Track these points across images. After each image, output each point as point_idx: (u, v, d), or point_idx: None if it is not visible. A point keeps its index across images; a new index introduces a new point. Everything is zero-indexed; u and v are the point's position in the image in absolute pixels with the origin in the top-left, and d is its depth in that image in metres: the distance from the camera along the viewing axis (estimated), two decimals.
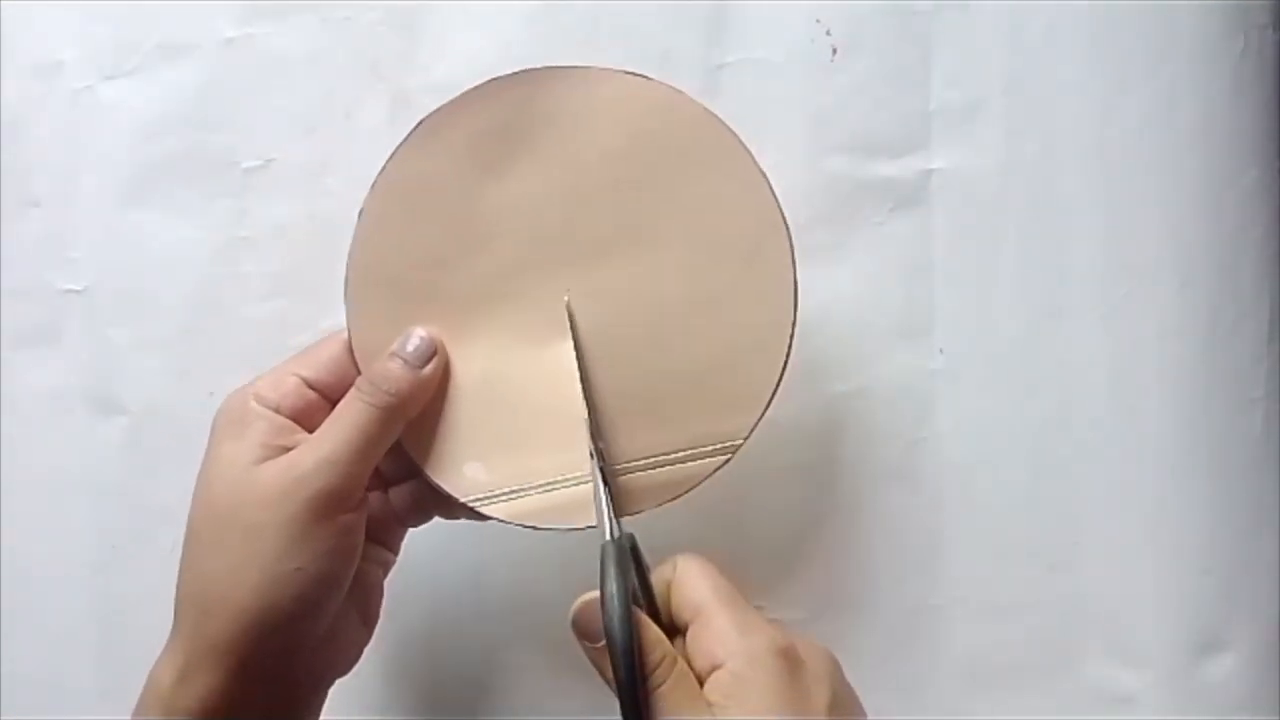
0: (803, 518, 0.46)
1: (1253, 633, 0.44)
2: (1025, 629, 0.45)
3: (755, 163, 0.38)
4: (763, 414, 0.39)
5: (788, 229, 0.38)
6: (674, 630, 0.35)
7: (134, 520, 0.49)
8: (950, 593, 0.45)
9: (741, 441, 0.39)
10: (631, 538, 0.36)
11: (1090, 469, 0.45)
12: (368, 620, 0.40)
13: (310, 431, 0.38)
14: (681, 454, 0.39)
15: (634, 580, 0.35)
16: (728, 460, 0.39)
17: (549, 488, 0.39)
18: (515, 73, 0.39)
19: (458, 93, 0.39)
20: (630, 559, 0.35)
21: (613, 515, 0.36)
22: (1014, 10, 0.45)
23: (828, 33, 0.45)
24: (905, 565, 0.45)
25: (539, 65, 0.39)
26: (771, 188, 0.38)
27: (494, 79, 0.39)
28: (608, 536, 0.35)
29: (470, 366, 0.39)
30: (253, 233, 0.48)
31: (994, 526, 0.45)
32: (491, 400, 0.39)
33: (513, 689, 0.47)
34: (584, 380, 0.39)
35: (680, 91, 0.39)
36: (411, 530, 0.42)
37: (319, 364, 0.39)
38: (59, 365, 0.50)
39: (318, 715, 0.39)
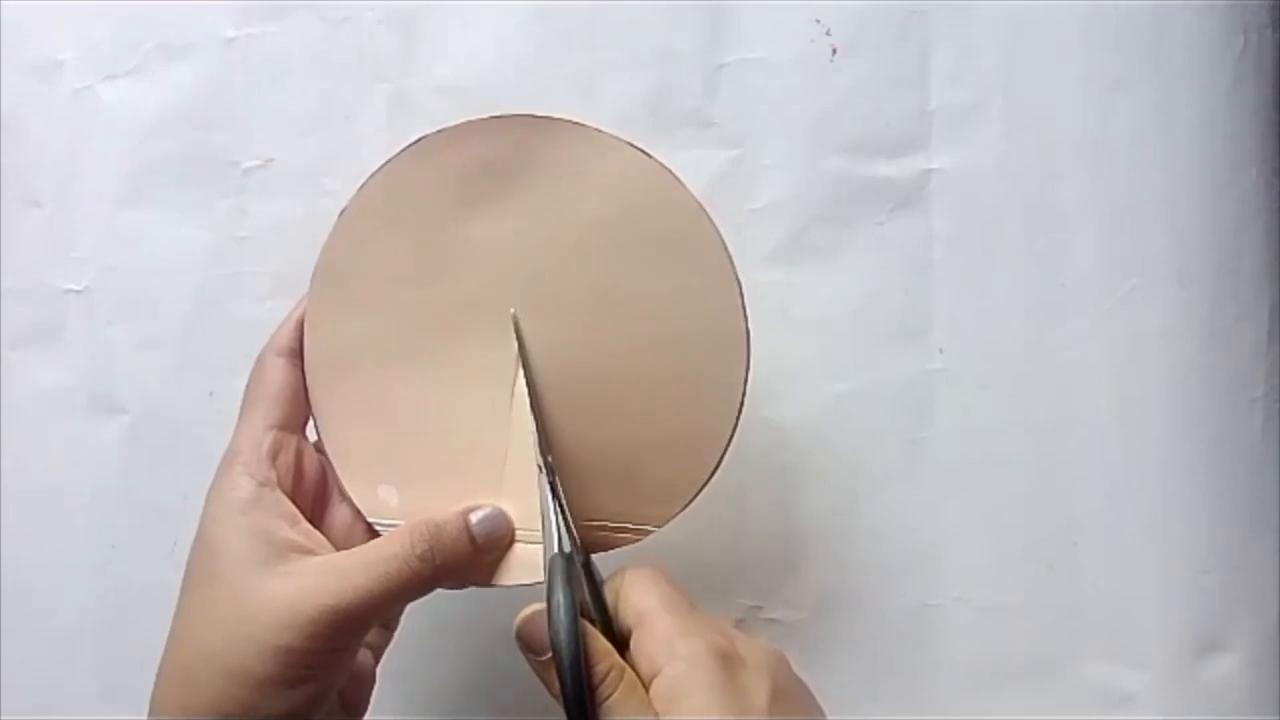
0: (803, 518, 0.46)
1: (1253, 633, 0.44)
2: (1025, 629, 0.45)
3: (733, 266, 0.38)
4: (683, 508, 0.38)
5: (748, 341, 0.38)
6: (626, 643, 0.35)
7: (134, 520, 0.49)
8: (950, 593, 0.45)
9: (654, 529, 0.38)
10: (585, 552, 0.35)
11: (1090, 469, 0.44)
12: (353, 710, 0.39)
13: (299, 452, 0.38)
14: (592, 524, 0.38)
15: (584, 593, 0.35)
16: (637, 541, 0.38)
17: None
18: (523, 115, 0.38)
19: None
20: (579, 570, 0.34)
21: (566, 527, 0.36)
22: (1013, 10, 0.45)
23: (828, 33, 0.45)
24: (905, 565, 0.45)
25: (553, 114, 0.38)
26: (742, 295, 0.38)
27: (501, 115, 0.38)
28: (555, 549, 0.35)
29: (408, 389, 0.39)
30: (253, 233, 0.48)
31: (994, 526, 0.45)
32: (420, 429, 0.39)
33: (512, 689, 0.47)
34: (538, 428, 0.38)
35: (679, 180, 0.38)
36: None
37: (276, 401, 0.38)
38: (59, 365, 0.50)
39: None
